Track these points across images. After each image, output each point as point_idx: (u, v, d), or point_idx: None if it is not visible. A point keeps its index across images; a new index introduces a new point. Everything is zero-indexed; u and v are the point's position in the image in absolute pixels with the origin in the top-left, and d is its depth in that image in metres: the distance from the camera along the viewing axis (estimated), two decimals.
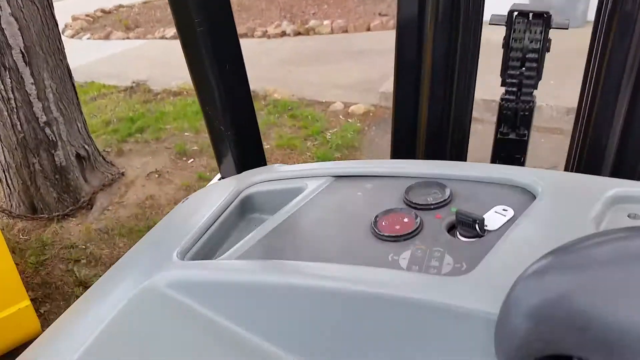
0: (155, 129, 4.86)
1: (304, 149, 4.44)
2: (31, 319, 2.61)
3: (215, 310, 0.81)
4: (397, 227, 0.86)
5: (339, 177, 1.09)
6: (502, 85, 1.47)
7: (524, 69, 1.41)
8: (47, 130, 3.51)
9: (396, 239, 0.83)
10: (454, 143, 1.55)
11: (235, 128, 1.56)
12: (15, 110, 3.40)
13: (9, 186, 3.66)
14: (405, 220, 0.87)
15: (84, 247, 3.35)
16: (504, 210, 0.85)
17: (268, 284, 0.79)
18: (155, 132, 4.79)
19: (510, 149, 1.53)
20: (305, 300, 0.76)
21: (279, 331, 0.78)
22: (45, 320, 2.84)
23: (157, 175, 4.04)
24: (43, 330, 2.63)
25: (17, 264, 3.15)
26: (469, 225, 0.80)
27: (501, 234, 0.79)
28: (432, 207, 0.90)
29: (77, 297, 2.98)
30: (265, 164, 1.71)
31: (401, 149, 1.58)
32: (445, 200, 0.91)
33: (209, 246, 1.01)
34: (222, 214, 1.07)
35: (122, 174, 4.00)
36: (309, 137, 4.65)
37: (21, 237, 3.47)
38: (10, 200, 3.70)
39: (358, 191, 1.02)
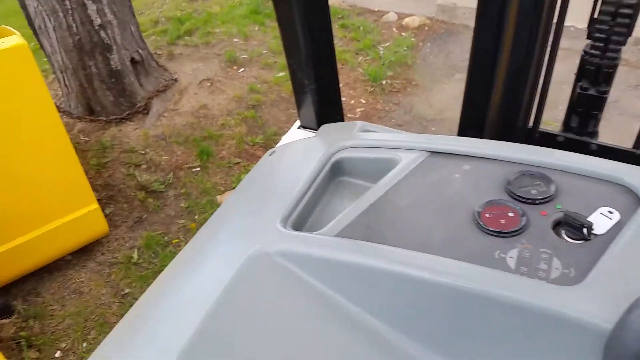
0: (204, 33, 4.78)
1: (355, 64, 4.34)
2: (99, 221, 2.78)
3: (322, 282, 0.86)
4: (502, 221, 0.86)
5: (433, 152, 1.08)
6: (587, 38, 1.37)
7: (613, 23, 1.30)
8: (102, 34, 3.49)
9: (502, 234, 0.84)
10: (533, 89, 1.50)
11: (317, 82, 1.57)
12: (70, 11, 3.37)
13: (66, 86, 3.71)
14: (511, 214, 0.87)
15: (143, 152, 3.45)
16: (609, 212, 0.85)
17: (374, 268, 0.82)
18: (204, 36, 4.71)
19: (588, 104, 1.48)
20: (413, 290, 0.80)
21: (383, 309, 0.83)
22: (110, 221, 3.02)
23: (209, 84, 4.03)
24: (110, 230, 2.79)
25: None
26: (576, 229, 0.81)
27: (609, 240, 0.79)
28: (536, 201, 0.89)
29: (140, 200, 3.14)
30: (342, 117, 1.73)
31: (475, 93, 1.54)
32: (550, 195, 0.90)
33: (306, 211, 1.05)
34: (315, 179, 1.09)
35: (175, 80, 4.01)
36: (360, 51, 4.53)
37: (82, 138, 3.58)
38: (68, 100, 3.78)
39: (455, 172, 1.00)
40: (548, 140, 1.57)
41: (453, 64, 4.30)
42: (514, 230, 0.84)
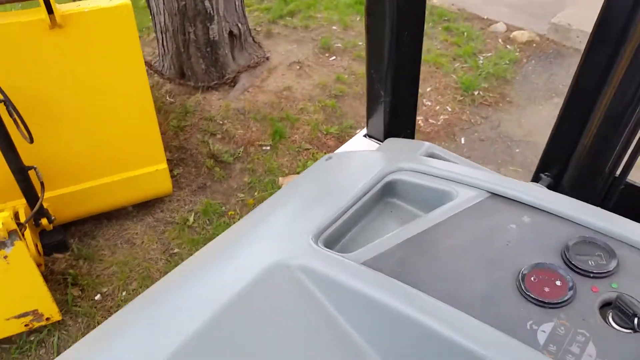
0: (305, 16, 4.80)
1: (450, 70, 4.18)
2: (165, 181, 2.89)
3: (337, 308, 0.81)
4: (547, 289, 0.77)
5: (494, 194, 0.99)
6: None
7: None
8: (206, 3, 3.59)
9: (541, 304, 0.75)
10: (631, 136, 1.35)
11: (394, 96, 1.51)
12: None
13: (163, 47, 3.88)
14: (558, 283, 0.78)
15: (221, 122, 3.54)
16: None
17: (392, 309, 0.77)
18: (304, 19, 4.74)
19: None
20: (425, 340, 0.74)
21: (390, 350, 0.77)
22: (176, 182, 3.13)
23: (298, 67, 4.05)
24: (173, 191, 2.89)
25: (160, 124, 3.43)
26: (626, 315, 0.70)
27: None
28: (591, 274, 0.79)
29: (207, 168, 3.22)
30: (412, 131, 1.65)
31: (566, 128, 1.42)
32: (608, 271, 0.79)
33: (344, 229, 1.00)
34: (363, 196, 1.04)
35: (267, 58, 4.06)
36: (459, 58, 4.35)
37: (167, 99, 3.73)
38: (163, 61, 3.95)
39: (512, 222, 0.91)
40: (633, 194, 1.41)
41: (554, 86, 4.02)
42: (555, 302, 0.75)
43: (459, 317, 0.74)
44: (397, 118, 1.58)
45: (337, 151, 1.44)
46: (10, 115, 2.10)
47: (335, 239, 0.98)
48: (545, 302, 0.75)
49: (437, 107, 3.84)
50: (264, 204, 1.16)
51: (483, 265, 0.83)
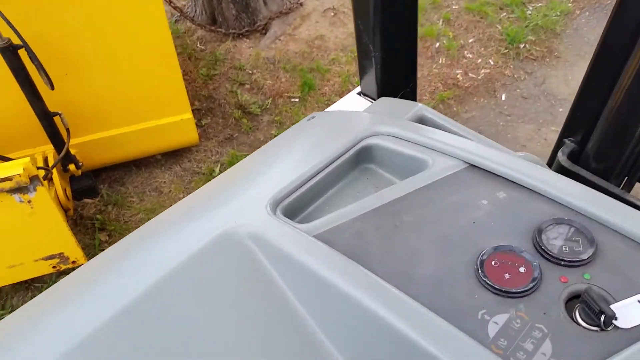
0: None
1: (495, 20, 3.93)
2: (191, 130, 2.86)
3: (286, 282, 0.77)
4: (507, 276, 0.69)
5: (472, 166, 0.90)
6: None
7: None
8: None
9: (498, 292, 0.68)
10: None
11: (385, 50, 1.38)
12: None
13: None
14: (522, 270, 0.69)
15: (250, 72, 3.46)
16: None
17: (341, 290, 0.72)
18: None
19: None
20: (364, 321, 0.69)
21: (335, 330, 0.73)
22: (204, 132, 3.11)
23: (332, 14, 3.89)
24: (201, 141, 2.86)
25: (190, 72, 3.39)
26: (593, 312, 0.62)
27: (630, 339, 0.60)
28: (562, 262, 0.70)
29: (235, 119, 3.17)
30: (414, 90, 1.52)
31: (593, 90, 1.30)
32: (583, 259, 0.70)
33: (310, 196, 0.94)
34: (334, 162, 0.97)
35: (301, 4, 3.91)
36: (506, 7, 4.08)
37: (198, 46, 3.66)
38: (195, 6, 3.86)
39: (485, 198, 0.83)
40: None
41: None
42: (515, 291, 0.67)
43: (402, 303, 0.68)
44: (391, 75, 1.46)
45: (328, 109, 1.35)
46: (32, 61, 2.09)
47: (299, 206, 0.92)
48: (502, 291, 0.68)
49: (479, 60, 3.64)
50: (235, 166, 1.11)
51: (444, 246, 0.76)
